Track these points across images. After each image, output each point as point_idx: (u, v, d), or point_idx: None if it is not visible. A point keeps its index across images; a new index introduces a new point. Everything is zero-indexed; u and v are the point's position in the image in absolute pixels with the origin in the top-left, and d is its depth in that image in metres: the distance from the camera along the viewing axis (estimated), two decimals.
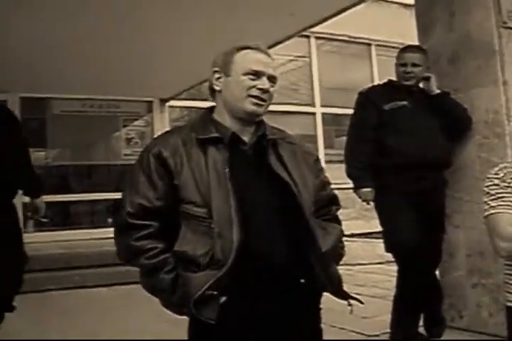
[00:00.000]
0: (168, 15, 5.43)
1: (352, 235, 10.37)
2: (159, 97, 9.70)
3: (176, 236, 1.76)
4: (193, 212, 1.75)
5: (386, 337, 3.71)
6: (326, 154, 13.21)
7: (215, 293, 1.67)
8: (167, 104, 9.98)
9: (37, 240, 7.30)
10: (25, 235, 8.00)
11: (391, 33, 12.09)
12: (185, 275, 1.72)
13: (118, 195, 1.90)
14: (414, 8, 4.46)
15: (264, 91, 1.86)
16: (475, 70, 3.79)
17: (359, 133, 3.69)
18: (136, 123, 10.05)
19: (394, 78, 3.82)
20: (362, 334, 3.90)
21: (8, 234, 3.61)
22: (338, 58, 14.02)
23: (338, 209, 2.10)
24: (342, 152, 3.84)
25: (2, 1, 4.83)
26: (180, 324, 1.88)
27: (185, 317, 1.81)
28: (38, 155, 8.53)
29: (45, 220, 3.57)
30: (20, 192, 3.81)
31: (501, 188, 2.17)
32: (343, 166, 3.76)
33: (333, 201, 2.08)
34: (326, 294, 1.91)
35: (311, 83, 13.69)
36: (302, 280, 1.80)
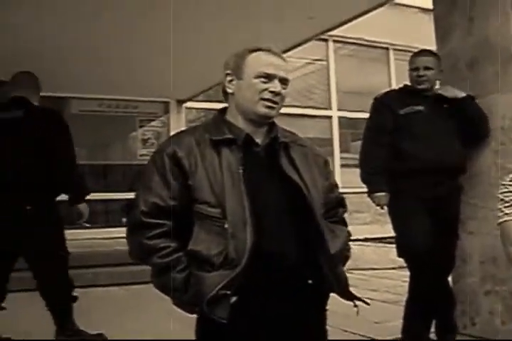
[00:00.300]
0: (187, 17, 5.47)
1: (366, 239, 10.34)
2: (176, 98, 9.74)
3: (189, 236, 1.77)
4: (207, 212, 1.76)
5: None
6: (341, 158, 13.19)
7: (228, 292, 1.68)
8: (184, 105, 10.02)
9: None
10: None
11: (410, 37, 12.04)
12: (199, 275, 1.73)
13: (133, 195, 1.91)
14: (432, 13, 4.44)
15: (276, 94, 1.87)
16: (493, 76, 3.76)
17: (374, 138, 3.69)
18: (152, 123, 10.10)
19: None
20: (373, 339, 3.89)
21: (51, 233, 3.82)
22: (355, 62, 14.00)
23: (345, 212, 2.12)
24: (358, 156, 3.83)
25: (22, 4, 4.89)
26: (191, 323, 1.89)
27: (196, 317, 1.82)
28: None
29: (87, 225, 3.66)
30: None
31: None
32: (358, 170, 3.76)
33: (341, 203, 2.11)
34: (333, 296, 1.92)
35: (328, 86, 13.68)
36: (310, 281, 1.81)
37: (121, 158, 9.98)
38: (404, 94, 3.77)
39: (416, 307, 3.63)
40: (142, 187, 1.85)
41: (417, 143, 3.56)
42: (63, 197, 3.93)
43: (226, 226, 1.73)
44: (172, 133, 2.24)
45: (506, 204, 2.15)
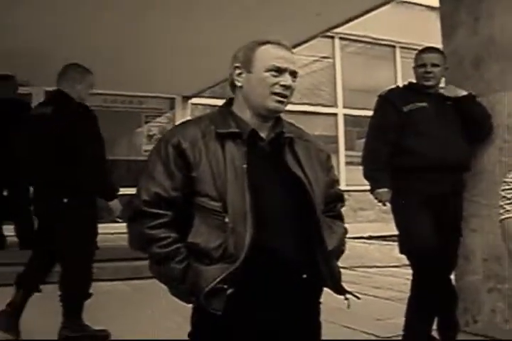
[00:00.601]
0: (193, 13, 5.47)
1: (370, 237, 10.35)
2: (182, 94, 9.75)
3: (189, 227, 1.78)
4: (208, 206, 1.77)
5: (399, 339, 3.70)
6: (346, 156, 13.18)
7: (226, 286, 1.70)
8: (190, 101, 10.04)
9: None
10: None
11: (416, 35, 12.03)
12: (197, 268, 1.75)
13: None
14: (439, 11, 4.44)
15: (287, 87, 1.87)
16: (498, 74, 3.76)
17: (378, 135, 3.69)
18: (158, 119, 10.12)
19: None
20: (375, 335, 3.90)
21: (88, 227, 3.93)
22: (362, 60, 13.99)
23: (342, 206, 2.13)
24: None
25: (23, 4, 4.94)
26: None
27: None
28: None
29: (120, 220, 3.70)
30: None
31: None
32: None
33: (340, 198, 2.12)
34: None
35: (334, 84, 13.68)
36: (304, 276, 1.82)
37: (126, 153, 9.99)
38: (409, 92, 3.77)
39: (418, 305, 3.64)
40: (145, 176, 1.85)
41: (421, 140, 3.56)
42: None
43: (226, 220, 1.74)
44: None
45: (508, 202, 2.16)
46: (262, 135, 1.90)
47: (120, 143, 10.12)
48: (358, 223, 11.79)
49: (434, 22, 5.23)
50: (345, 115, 13.51)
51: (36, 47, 6.11)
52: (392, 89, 3.89)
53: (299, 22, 5.69)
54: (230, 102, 1.99)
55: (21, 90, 6.73)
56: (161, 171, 1.81)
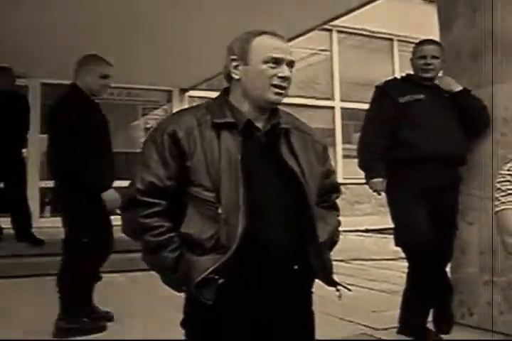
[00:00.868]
0: (189, 5, 5.45)
1: (366, 230, 10.37)
2: (179, 87, 9.73)
3: (182, 216, 1.78)
4: (202, 196, 1.77)
5: (394, 331, 3.72)
6: (343, 149, 13.19)
7: (217, 277, 1.71)
8: (187, 93, 10.01)
9: (53, 225, 7.40)
10: (42, 220, 8.12)
11: (414, 28, 12.01)
12: (189, 258, 1.75)
13: None
14: (436, 3, 4.43)
15: (285, 78, 1.86)
16: (495, 66, 3.74)
17: (374, 126, 3.69)
18: (155, 112, 10.11)
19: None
20: (370, 327, 3.91)
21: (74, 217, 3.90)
22: (359, 53, 13.97)
23: (338, 197, 2.12)
24: None
25: None
26: None
27: None
28: None
29: (118, 212, 3.69)
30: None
31: None
32: None
33: (335, 188, 2.11)
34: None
35: (331, 77, 13.66)
36: (296, 267, 1.83)
37: (123, 146, 9.96)
38: (406, 83, 3.78)
39: (414, 297, 3.66)
40: (141, 164, 1.84)
41: (417, 132, 3.56)
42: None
43: (219, 211, 1.74)
44: None
45: (503, 194, 2.16)
46: (259, 125, 1.89)
47: (117, 136, 10.08)
48: (355, 216, 11.82)
49: (431, 15, 5.22)
50: (342, 108, 13.51)
51: (34, 39, 6.09)
52: (389, 81, 3.89)
53: (296, 14, 5.67)
54: (226, 92, 1.97)
55: (18, 82, 6.70)
56: (156, 160, 1.80)
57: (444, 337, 3.62)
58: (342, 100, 13.53)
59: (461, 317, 3.91)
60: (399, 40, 14.28)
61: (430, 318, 3.76)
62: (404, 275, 3.81)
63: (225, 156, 1.77)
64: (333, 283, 1.93)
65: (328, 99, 13.49)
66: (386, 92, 3.72)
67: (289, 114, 2.02)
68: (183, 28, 6.06)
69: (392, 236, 3.81)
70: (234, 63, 1.90)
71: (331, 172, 2.09)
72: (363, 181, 3.75)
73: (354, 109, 12.76)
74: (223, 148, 1.79)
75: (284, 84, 1.86)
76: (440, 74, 3.83)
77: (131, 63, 7.46)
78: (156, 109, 10.12)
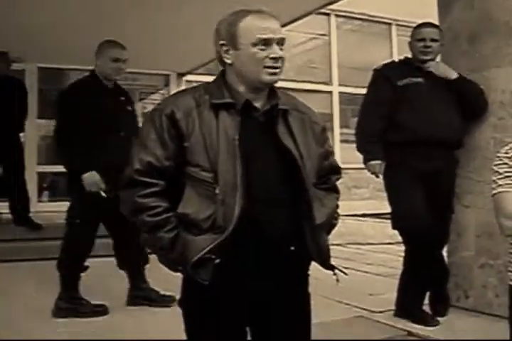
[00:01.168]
0: None
1: (364, 215, 10.40)
2: (177, 71, 9.68)
3: (180, 197, 1.79)
4: (199, 176, 1.77)
5: (391, 313, 3.75)
6: (341, 133, 13.16)
7: (213, 257, 1.71)
8: (184, 78, 9.97)
9: (50, 209, 7.42)
10: (39, 204, 8.12)
11: (412, 13, 11.94)
12: (186, 238, 1.76)
13: None
14: None
15: (278, 58, 1.83)
16: (493, 50, 3.75)
17: (372, 109, 3.69)
18: (153, 96, 10.07)
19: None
20: (367, 310, 3.94)
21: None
22: (358, 37, 13.91)
23: (338, 179, 2.11)
24: None
25: None
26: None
27: None
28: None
29: (103, 195, 3.71)
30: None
31: (510, 167, 2.15)
32: None
33: (335, 170, 2.10)
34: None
35: (329, 62, 13.61)
36: (292, 248, 1.83)
37: None
38: (405, 66, 3.77)
39: (410, 280, 3.68)
40: (139, 145, 1.84)
41: (415, 115, 3.56)
42: None
43: (217, 191, 1.74)
44: None
45: (500, 176, 2.16)
46: (257, 105, 1.88)
47: None
48: (353, 201, 11.83)
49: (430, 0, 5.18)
50: (340, 93, 13.47)
51: (30, 23, 6.04)
52: (387, 64, 3.88)
53: None
54: (224, 73, 1.95)
55: (14, 67, 6.66)
56: (154, 140, 1.80)
57: (440, 319, 3.65)
58: (340, 84, 13.48)
59: (457, 300, 3.94)
60: (397, 25, 14.20)
61: (426, 301, 3.79)
62: (401, 259, 3.83)
63: (223, 137, 1.77)
64: (329, 267, 1.94)
65: (326, 83, 13.45)
66: (384, 75, 3.71)
67: (287, 94, 2.00)
68: (180, 13, 6.02)
69: (389, 221, 3.83)
70: (224, 48, 1.88)
71: (330, 154, 2.08)
72: (361, 166, 3.76)
73: (352, 93, 12.71)
74: (221, 128, 1.78)
75: (277, 65, 1.84)
76: (438, 58, 3.82)
77: (129, 47, 7.38)
78: (153, 93, 10.09)
